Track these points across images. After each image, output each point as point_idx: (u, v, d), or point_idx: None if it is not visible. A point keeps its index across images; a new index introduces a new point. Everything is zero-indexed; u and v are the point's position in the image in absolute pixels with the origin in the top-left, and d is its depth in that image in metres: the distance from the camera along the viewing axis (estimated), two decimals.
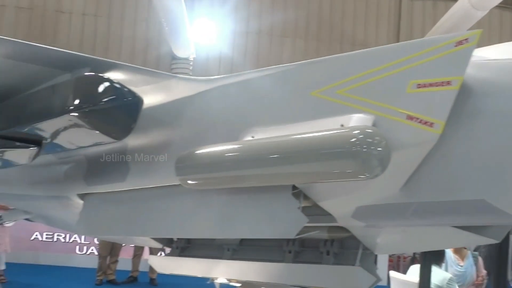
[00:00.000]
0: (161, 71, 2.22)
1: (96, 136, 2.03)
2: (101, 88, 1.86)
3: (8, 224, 7.70)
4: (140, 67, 2.24)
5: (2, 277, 8.18)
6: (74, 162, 2.46)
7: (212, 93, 1.95)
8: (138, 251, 8.94)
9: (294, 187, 1.65)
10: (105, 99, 1.85)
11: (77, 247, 10.03)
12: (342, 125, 1.54)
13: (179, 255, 2.42)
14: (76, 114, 1.87)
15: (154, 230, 2.18)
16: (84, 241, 10.01)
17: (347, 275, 1.86)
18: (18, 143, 2.11)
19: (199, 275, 2.34)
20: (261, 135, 1.70)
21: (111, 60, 2.18)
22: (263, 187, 1.67)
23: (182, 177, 1.76)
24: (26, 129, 2.05)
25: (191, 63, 11.58)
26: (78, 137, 2.11)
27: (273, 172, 1.54)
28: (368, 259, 1.87)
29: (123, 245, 8.57)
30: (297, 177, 1.55)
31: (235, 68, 11.95)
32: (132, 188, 2.16)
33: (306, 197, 1.69)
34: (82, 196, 2.47)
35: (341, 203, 1.67)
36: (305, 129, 1.57)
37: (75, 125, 1.94)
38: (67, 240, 10.00)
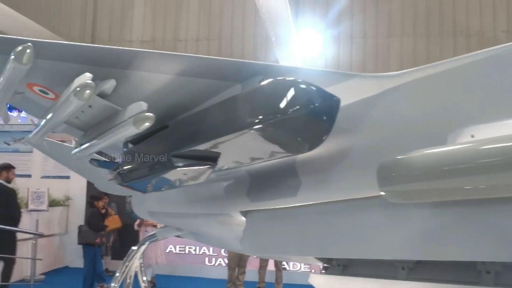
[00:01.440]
0: (339, 71, 1.91)
1: (282, 148, 1.72)
2: (297, 93, 1.53)
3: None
4: (316, 68, 1.96)
5: (152, 283, 9.00)
6: (235, 179, 2.40)
7: (407, 89, 1.64)
8: (264, 263, 9.19)
9: None
10: (302, 106, 1.52)
11: (207, 259, 10.59)
12: None
13: (342, 274, 2.26)
14: (263, 125, 1.56)
15: (335, 250, 1.98)
16: (213, 253, 10.53)
17: None
18: (195, 162, 1.96)
19: None
20: (484, 134, 1.38)
21: (282, 65, 2.03)
22: (489, 198, 1.36)
23: (387, 188, 1.44)
24: (201, 147, 1.86)
25: None
26: (258, 152, 1.82)
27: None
28: None
29: (254, 257, 8.88)
30: None
31: None
32: (301, 204, 2.03)
33: None
34: (244, 213, 2.45)
35: None
36: None
37: (258, 139, 1.66)
38: (198, 252, 10.62)
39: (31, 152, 12.04)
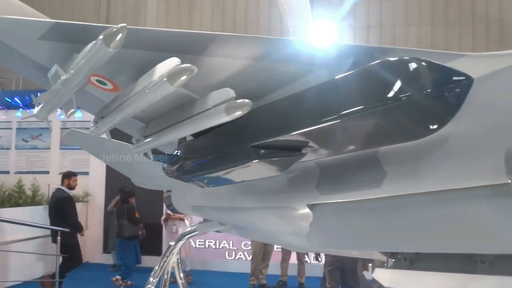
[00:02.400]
0: (444, 51, 1.76)
1: (398, 133, 1.57)
2: (427, 72, 1.40)
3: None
4: (419, 49, 1.79)
5: (189, 277, 9.00)
6: (302, 171, 2.28)
7: None
8: (286, 255, 9.14)
9: None
10: (435, 85, 1.39)
11: (227, 253, 10.56)
12: None
13: (410, 268, 2.16)
14: (386, 108, 1.41)
15: (418, 243, 1.86)
16: (232, 247, 10.50)
17: None
18: (279, 152, 1.86)
19: None
20: None
21: (375, 46, 1.77)
22: None
23: None
24: (292, 136, 1.73)
25: None
26: (361, 139, 1.68)
27: None
28: None
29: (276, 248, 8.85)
30: None
31: None
32: (384, 196, 1.89)
33: None
34: (310, 207, 2.31)
35: None
36: None
37: (370, 125, 1.55)
38: (218, 246, 10.58)
39: (49, 149, 12.04)
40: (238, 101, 1.66)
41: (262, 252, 8.89)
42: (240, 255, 10.49)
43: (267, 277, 9.08)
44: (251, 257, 9.23)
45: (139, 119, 2.26)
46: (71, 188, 8.42)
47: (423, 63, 1.42)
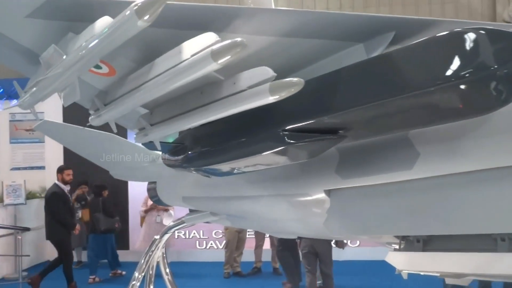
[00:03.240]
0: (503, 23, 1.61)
1: (467, 109, 1.40)
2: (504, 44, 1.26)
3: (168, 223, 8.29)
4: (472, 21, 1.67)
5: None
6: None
7: None
8: (260, 242, 9.04)
9: None
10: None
11: (197, 242, 10.33)
12: None
13: (425, 250, 2.07)
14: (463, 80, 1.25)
15: (446, 225, 1.77)
16: (203, 236, 10.28)
17: None
18: (316, 136, 1.68)
19: (468, 272, 2.06)
20: None
21: (421, 17, 1.61)
22: None
23: None
24: (329, 118, 1.57)
25: None
26: (421, 117, 1.52)
27: None
28: None
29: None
30: None
31: None
32: (415, 178, 1.79)
33: None
34: (327, 192, 2.19)
35: None
36: None
37: (437, 100, 1.39)
38: (188, 236, 10.33)
39: None
40: (286, 80, 1.44)
41: (236, 240, 8.75)
42: (211, 244, 10.32)
43: (242, 264, 8.97)
44: (225, 245, 9.06)
45: (144, 105, 1.99)
46: (66, 182, 8.08)
47: (502, 33, 1.26)
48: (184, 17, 1.56)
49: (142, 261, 4.05)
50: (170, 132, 1.96)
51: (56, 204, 7.81)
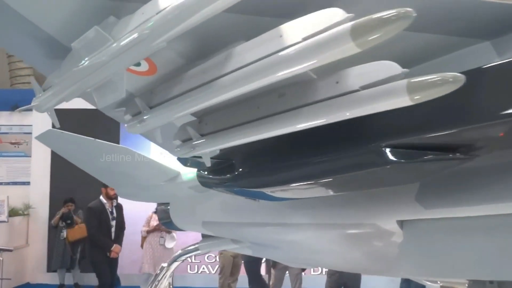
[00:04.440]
0: None
1: None
2: None
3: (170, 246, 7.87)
4: None
5: None
6: None
7: None
8: None
9: None
10: None
11: (189, 267, 9.87)
12: None
13: None
14: None
15: None
16: (195, 260, 9.82)
17: None
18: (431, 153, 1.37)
19: None
20: None
21: None
22: None
23: None
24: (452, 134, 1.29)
25: None
26: None
27: None
28: None
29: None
30: None
31: None
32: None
33: None
34: (400, 223, 1.87)
35: None
36: None
37: None
38: None
39: None
40: (436, 77, 1.04)
41: (231, 265, 8.31)
42: (203, 268, 9.87)
43: None
44: (219, 271, 8.60)
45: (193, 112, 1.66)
46: (110, 197, 7.73)
47: None
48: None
49: None
50: (231, 144, 1.62)
51: (88, 220, 7.66)
